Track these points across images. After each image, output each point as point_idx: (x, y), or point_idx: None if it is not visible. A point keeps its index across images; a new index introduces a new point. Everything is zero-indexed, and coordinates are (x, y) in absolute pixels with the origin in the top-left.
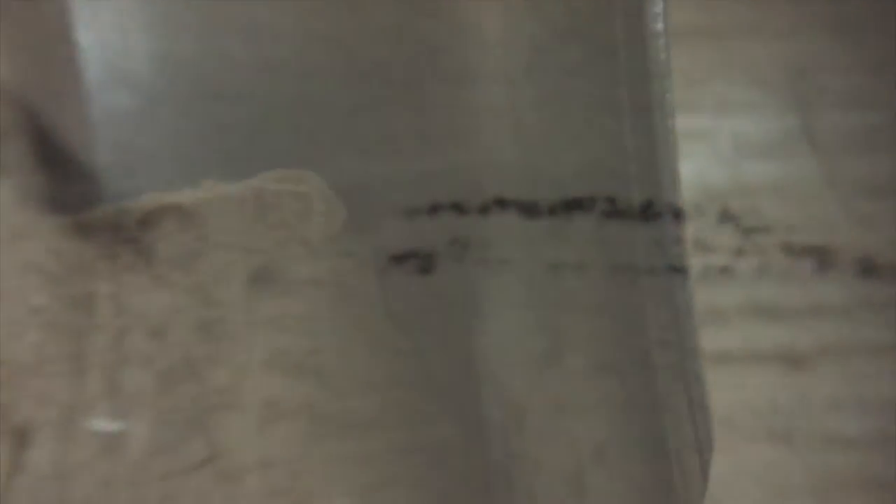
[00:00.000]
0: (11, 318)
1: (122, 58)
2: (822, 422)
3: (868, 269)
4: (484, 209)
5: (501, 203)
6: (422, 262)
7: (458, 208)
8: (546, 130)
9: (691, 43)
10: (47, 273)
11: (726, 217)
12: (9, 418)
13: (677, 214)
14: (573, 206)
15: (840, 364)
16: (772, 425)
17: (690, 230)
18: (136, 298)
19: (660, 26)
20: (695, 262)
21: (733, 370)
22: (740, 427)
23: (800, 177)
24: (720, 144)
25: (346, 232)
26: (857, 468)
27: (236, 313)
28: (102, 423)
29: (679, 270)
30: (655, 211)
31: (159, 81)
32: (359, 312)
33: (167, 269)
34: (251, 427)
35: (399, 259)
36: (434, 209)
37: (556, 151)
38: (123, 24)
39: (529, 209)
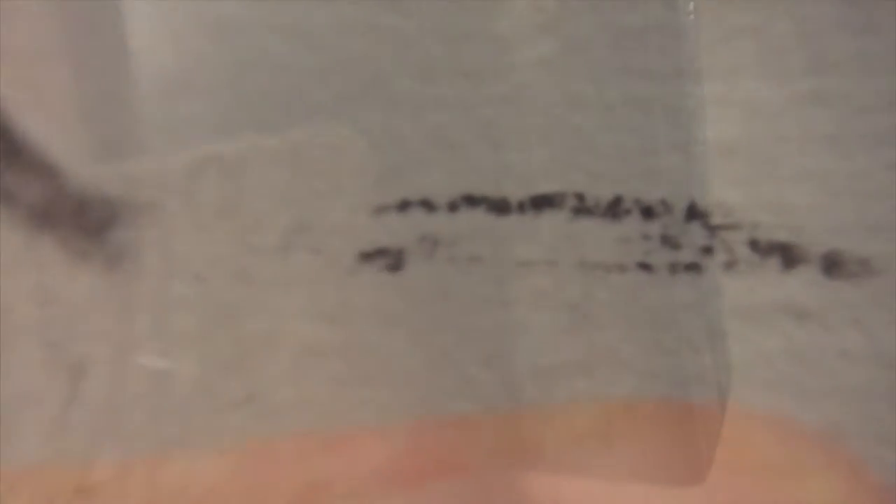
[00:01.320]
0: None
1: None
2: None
3: (834, 264)
4: (453, 206)
5: (470, 200)
6: (391, 259)
7: (428, 205)
8: (514, 126)
9: None
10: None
11: (694, 214)
12: (66, 354)
13: (646, 211)
14: (542, 202)
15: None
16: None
17: (658, 227)
18: (181, 245)
19: (633, 20)
20: (662, 259)
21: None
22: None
23: (767, 172)
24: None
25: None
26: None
27: (273, 262)
28: (151, 361)
29: (648, 267)
30: (624, 208)
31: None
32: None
33: (210, 217)
34: (287, 369)
35: (369, 256)
36: (403, 206)
37: (525, 148)
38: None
39: (499, 206)
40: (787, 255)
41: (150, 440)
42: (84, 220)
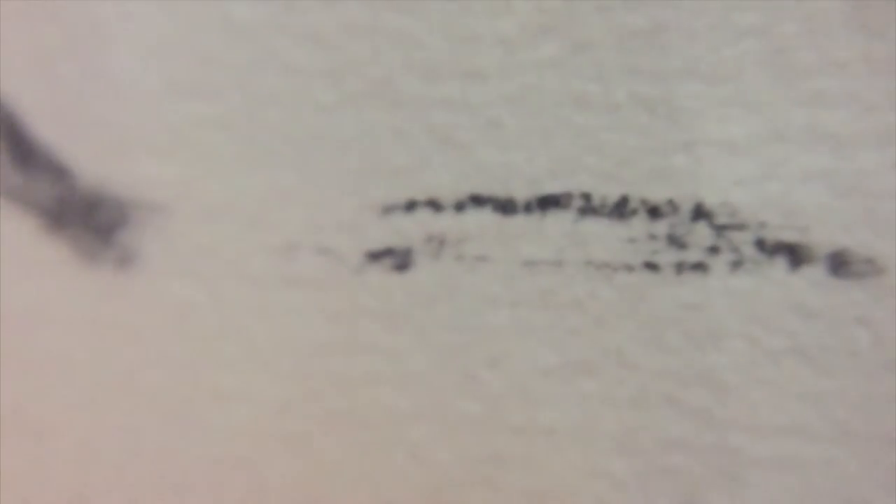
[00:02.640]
0: None
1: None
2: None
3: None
4: (460, 206)
5: (477, 200)
6: (399, 258)
7: (434, 205)
8: (520, 127)
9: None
10: None
11: (700, 214)
12: None
13: (652, 211)
14: (549, 202)
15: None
16: None
17: (664, 227)
18: (189, 246)
19: (638, 21)
20: (668, 259)
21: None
22: None
23: (773, 172)
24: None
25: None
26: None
27: (281, 262)
28: None
29: (654, 267)
30: (630, 208)
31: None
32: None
33: (217, 218)
34: (293, 369)
35: (376, 256)
36: (410, 206)
37: (531, 148)
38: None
39: (505, 206)
40: (794, 255)
41: None
42: (93, 221)
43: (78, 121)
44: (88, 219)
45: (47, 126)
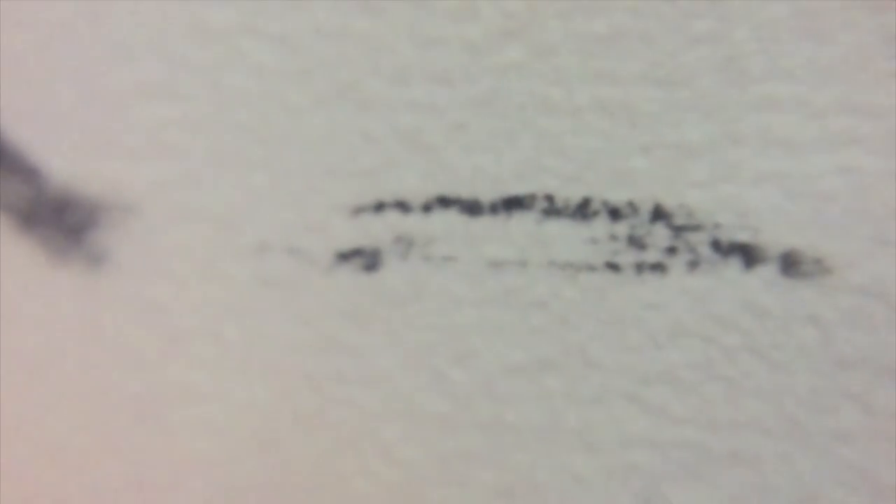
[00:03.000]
0: None
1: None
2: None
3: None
4: (427, 207)
5: (444, 201)
6: (367, 259)
7: (403, 206)
8: (485, 129)
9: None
10: None
11: (659, 215)
12: None
13: (613, 212)
14: (513, 204)
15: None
16: None
17: (625, 228)
18: (159, 246)
19: (599, 27)
20: (629, 259)
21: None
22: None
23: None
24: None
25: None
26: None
27: (251, 262)
28: None
29: (615, 267)
30: (592, 209)
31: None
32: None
33: (187, 218)
34: (264, 369)
35: (345, 256)
36: (379, 207)
37: (496, 150)
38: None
39: (471, 207)
40: (747, 255)
41: None
42: (64, 222)
43: (48, 121)
44: (59, 219)
45: (18, 126)
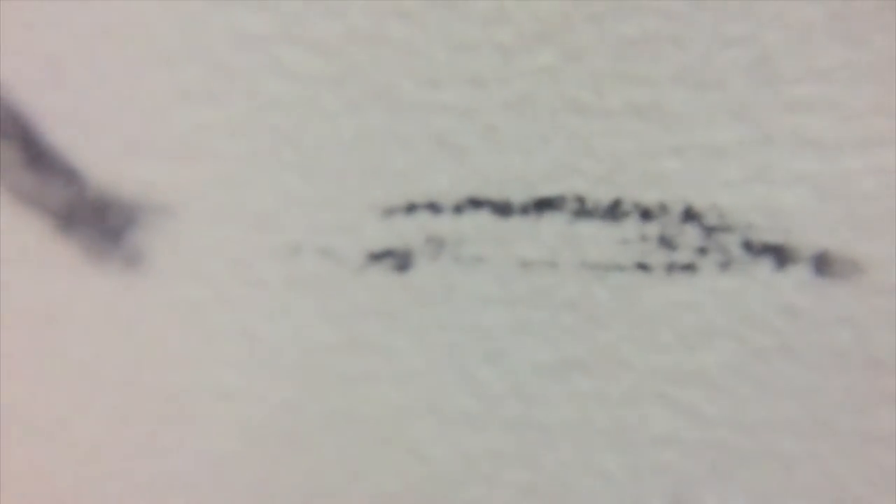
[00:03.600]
0: None
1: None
2: None
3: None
4: (458, 208)
5: (475, 202)
6: (399, 259)
7: (434, 207)
8: (517, 132)
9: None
10: None
11: (690, 216)
12: None
13: (644, 213)
14: (544, 205)
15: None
16: None
17: (656, 228)
18: (195, 247)
19: (630, 30)
20: (659, 259)
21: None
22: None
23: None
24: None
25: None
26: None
27: (283, 263)
28: None
29: (645, 267)
30: (623, 210)
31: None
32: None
33: (222, 220)
34: (295, 368)
35: (376, 257)
36: (410, 208)
37: (527, 152)
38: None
39: (502, 208)
40: (780, 256)
41: None
42: (102, 223)
43: (89, 124)
44: (98, 220)
45: (59, 129)
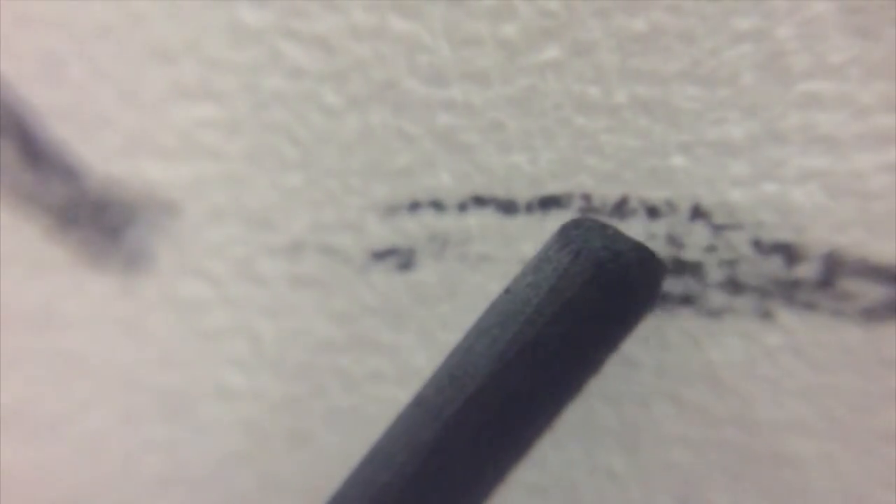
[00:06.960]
0: None
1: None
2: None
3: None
4: (462, 206)
5: (479, 200)
6: (402, 258)
7: (438, 205)
8: (522, 128)
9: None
10: None
11: (698, 214)
12: None
13: (651, 211)
14: (550, 203)
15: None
16: None
17: (663, 226)
18: (196, 246)
19: (638, 25)
20: (667, 258)
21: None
22: None
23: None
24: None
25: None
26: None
27: (286, 262)
28: None
29: None
30: (630, 208)
31: None
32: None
33: (224, 218)
34: (298, 367)
35: (380, 255)
36: (414, 206)
37: (533, 149)
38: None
39: (507, 206)
40: (789, 254)
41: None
42: (102, 221)
43: (87, 122)
44: (97, 219)
45: (57, 127)
